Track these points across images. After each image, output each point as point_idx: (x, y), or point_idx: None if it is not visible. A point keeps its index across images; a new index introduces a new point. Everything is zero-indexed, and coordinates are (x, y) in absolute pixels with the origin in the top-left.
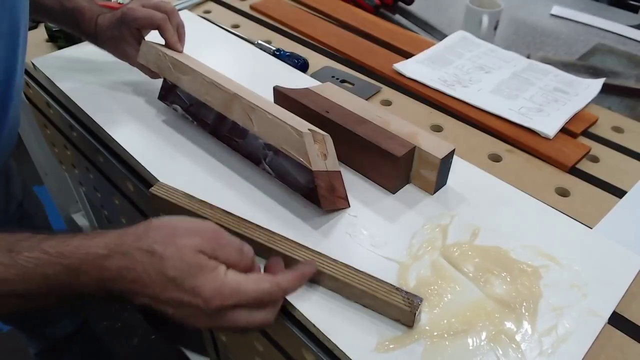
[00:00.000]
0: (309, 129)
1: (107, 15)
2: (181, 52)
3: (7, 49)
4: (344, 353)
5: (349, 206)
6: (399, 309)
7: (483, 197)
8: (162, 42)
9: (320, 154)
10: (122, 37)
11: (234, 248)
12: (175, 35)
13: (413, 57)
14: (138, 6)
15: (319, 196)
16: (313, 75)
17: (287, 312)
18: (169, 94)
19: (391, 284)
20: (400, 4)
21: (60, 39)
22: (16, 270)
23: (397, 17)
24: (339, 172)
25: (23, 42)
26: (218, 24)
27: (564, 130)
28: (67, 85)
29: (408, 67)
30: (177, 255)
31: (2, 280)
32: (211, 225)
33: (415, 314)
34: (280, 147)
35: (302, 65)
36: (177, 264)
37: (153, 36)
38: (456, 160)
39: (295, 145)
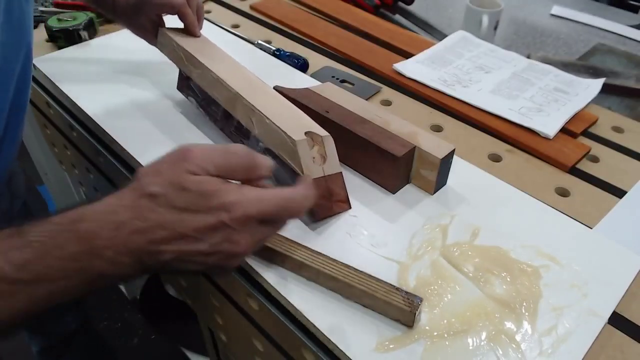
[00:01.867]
0: (307, 132)
1: None
2: (198, 36)
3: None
4: (344, 353)
5: (350, 208)
6: (398, 309)
7: (483, 197)
8: (181, 25)
9: (319, 156)
10: (140, 22)
11: (241, 163)
12: (194, 19)
13: (413, 57)
14: None
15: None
16: (313, 75)
17: (287, 312)
18: (184, 85)
19: (391, 284)
20: (400, 4)
21: (60, 39)
22: (31, 248)
23: (397, 17)
24: (340, 173)
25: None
26: (218, 24)
27: (564, 130)
28: (67, 85)
29: (408, 67)
30: (178, 187)
31: (21, 264)
32: (193, 147)
33: (415, 314)
34: (278, 153)
35: (302, 65)
36: (182, 194)
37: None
38: (456, 160)
39: (289, 152)
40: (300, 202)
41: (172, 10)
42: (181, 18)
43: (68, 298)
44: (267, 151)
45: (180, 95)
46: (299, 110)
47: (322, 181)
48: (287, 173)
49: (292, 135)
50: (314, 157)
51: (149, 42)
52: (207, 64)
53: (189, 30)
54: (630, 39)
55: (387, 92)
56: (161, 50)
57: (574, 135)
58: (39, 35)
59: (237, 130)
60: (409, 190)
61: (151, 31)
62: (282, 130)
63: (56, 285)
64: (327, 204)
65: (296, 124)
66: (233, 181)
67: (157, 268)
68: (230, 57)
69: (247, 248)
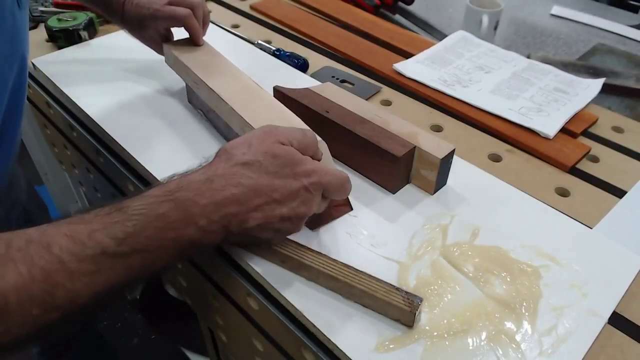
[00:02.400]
0: None
1: (133, 4)
2: (201, 44)
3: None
4: (344, 353)
5: (352, 210)
6: (398, 309)
7: (483, 197)
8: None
9: None
10: (148, 34)
11: (312, 143)
12: (199, 30)
13: (413, 57)
14: (162, 5)
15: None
16: (313, 75)
17: (287, 312)
18: (192, 97)
19: (391, 284)
20: (400, 4)
21: (60, 39)
22: (133, 222)
23: (397, 17)
24: None
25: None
26: (218, 24)
27: (564, 130)
28: (67, 85)
29: (408, 67)
30: (271, 154)
31: (122, 237)
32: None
33: (415, 314)
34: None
35: (302, 65)
36: (274, 160)
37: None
38: (456, 160)
39: None
40: (350, 186)
41: (178, 24)
42: (187, 29)
43: (158, 268)
44: None
45: (179, 95)
46: (294, 116)
47: None
48: None
49: None
50: None
51: (157, 53)
52: (203, 78)
53: (193, 40)
54: (630, 39)
55: (387, 92)
56: (168, 64)
57: (574, 135)
58: (39, 35)
59: None
60: (409, 190)
61: (159, 43)
62: None
63: (151, 255)
64: (326, 211)
65: None
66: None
67: (237, 236)
68: (231, 65)
69: (311, 211)
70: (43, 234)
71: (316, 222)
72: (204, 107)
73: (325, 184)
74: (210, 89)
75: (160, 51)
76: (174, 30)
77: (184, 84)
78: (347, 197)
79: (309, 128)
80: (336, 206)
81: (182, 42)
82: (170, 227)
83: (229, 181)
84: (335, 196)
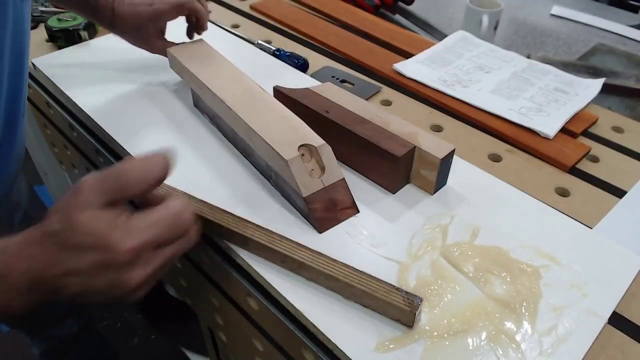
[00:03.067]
0: (301, 145)
1: (125, 4)
2: (206, 29)
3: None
4: (344, 353)
5: (358, 212)
6: (399, 309)
7: (483, 197)
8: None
9: (317, 167)
10: (147, 32)
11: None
12: (205, 13)
13: (413, 57)
14: (161, 2)
15: (314, 221)
16: (313, 75)
17: (287, 312)
18: (198, 102)
19: (391, 284)
20: (400, 4)
21: (60, 39)
22: None
23: (397, 17)
24: (342, 179)
25: (26, 60)
26: (218, 24)
27: (564, 130)
28: (67, 85)
29: (408, 67)
30: (68, 226)
31: None
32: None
33: (415, 314)
34: (277, 170)
35: (302, 65)
36: (71, 234)
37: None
38: (456, 160)
39: (284, 171)
40: (188, 214)
41: (184, 12)
42: (193, 15)
43: None
44: (270, 168)
45: (179, 95)
46: (296, 118)
47: (322, 193)
48: (289, 189)
49: (284, 154)
50: (312, 170)
51: (154, 53)
52: (207, 83)
53: (199, 25)
54: (630, 39)
55: (387, 92)
56: (173, 70)
57: (574, 135)
58: (39, 35)
59: (242, 148)
60: (409, 190)
61: (158, 42)
62: (275, 150)
63: None
64: (331, 215)
65: (291, 138)
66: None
67: (55, 298)
68: (234, 68)
69: (141, 281)
70: None
71: (323, 225)
72: (210, 111)
73: (143, 244)
74: (214, 94)
75: (158, 50)
76: (173, 30)
77: (184, 84)
78: (353, 199)
79: (133, 159)
80: (342, 209)
81: (186, 47)
82: None
83: (39, 251)
84: (178, 237)
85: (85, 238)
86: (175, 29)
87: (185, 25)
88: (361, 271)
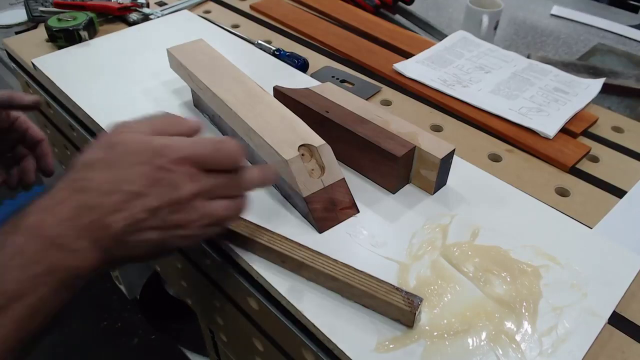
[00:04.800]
0: (301, 145)
1: None
2: (50, 175)
3: None
4: (344, 353)
5: (358, 212)
6: (399, 309)
7: (483, 197)
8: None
9: (317, 167)
10: None
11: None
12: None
13: (413, 57)
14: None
15: (314, 221)
16: (313, 75)
17: (287, 312)
18: (198, 102)
19: (391, 284)
20: (400, 4)
21: (60, 39)
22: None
23: (397, 17)
24: (342, 179)
25: None
26: (218, 24)
27: (564, 130)
28: (67, 85)
29: (408, 67)
30: (108, 146)
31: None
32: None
33: (415, 314)
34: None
35: (302, 65)
36: (114, 151)
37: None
38: (456, 160)
39: (285, 170)
40: (233, 145)
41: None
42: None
43: (52, 309)
44: None
45: (179, 95)
46: (296, 118)
47: (322, 193)
48: (289, 189)
49: (284, 154)
50: (312, 170)
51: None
52: (207, 83)
53: (47, 170)
54: (630, 39)
55: (387, 92)
56: (172, 69)
57: (574, 135)
58: (39, 35)
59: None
60: (409, 190)
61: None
62: (275, 150)
63: (33, 297)
64: (331, 215)
65: (291, 138)
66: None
67: (119, 249)
68: (234, 68)
69: (193, 194)
70: None
71: (323, 225)
72: (210, 111)
73: (188, 156)
74: (214, 94)
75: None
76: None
77: (186, 85)
78: (353, 200)
79: (229, 138)
80: (342, 209)
81: (186, 47)
82: (33, 260)
83: (73, 189)
84: (219, 165)
85: (132, 151)
86: (176, 29)
87: (185, 25)
88: (361, 271)
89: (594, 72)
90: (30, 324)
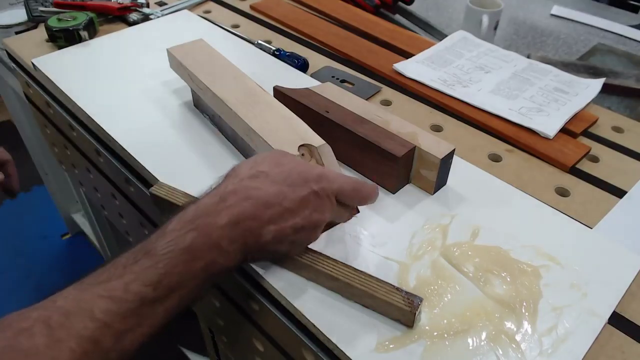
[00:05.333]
0: (301, 145)
1: None
2: (15, 197)
3: None
4: (344, 353)
5: (358, 212)
6: (399, 309)
7: (483, 197)
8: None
9: None
10: None
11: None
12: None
13: (413, 57)
14: None
15: None
16: (313, 75)
17: (287, 312)
18: (198, 102)
19: (391, 284)
20: (400, 4)
21: (60, 39)
22: (164, 262)
23: (397, 17)
24: None
25: None
26: (218, 24)
27: (564, 130)
28: (67, 85)
29: (408, 67)
30: (275, 163)
31: (157, 281)
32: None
33: (415, 314)
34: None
35: (302, 65)
36: (280, 170)
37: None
38: (456, 160)
39: None
40: (371, 189)
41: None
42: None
43: (191, 301)
44: None
45: (179, 95)
46: (296, 118)
47: None
48: None
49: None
50: None
51: None
52: (207, 83)
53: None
54: (630, 39)
55: (387, 92)
56: (172, 69)
57: (574, 135)
58: (39, 35)
59: (242, 148)
60: (409, 190)
61: None
62: (275, 150)
63: (186, 289)
64: None
65: (291, 138)
66: None
67: (255, 252)
68: (234, 68)
69: (326, 220)
70: (78, 302)
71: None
72: (210, 111)
73: (336, 189)
74: (214, 94)
75: None
76: (174, 31)
77: (186, 85)
78: None
79: (369, 182)
80: None
81: (186, 47)
82: (197, 257)
83: (239, 196)
84: (352, 202)
85: (294, 173)
86: (176, 29)
87: (185, 25)
88: (361, 271)
89: (594, 72)
90: (176, 312)
